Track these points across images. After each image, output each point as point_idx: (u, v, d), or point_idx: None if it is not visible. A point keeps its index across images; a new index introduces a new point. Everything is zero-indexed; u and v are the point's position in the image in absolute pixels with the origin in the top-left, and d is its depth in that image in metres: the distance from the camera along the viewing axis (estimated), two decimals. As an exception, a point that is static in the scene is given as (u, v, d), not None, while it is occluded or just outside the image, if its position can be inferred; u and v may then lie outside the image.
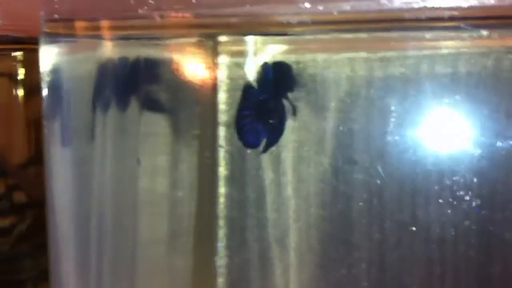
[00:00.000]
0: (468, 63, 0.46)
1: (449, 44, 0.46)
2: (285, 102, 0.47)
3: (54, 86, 0.52)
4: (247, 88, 0.48)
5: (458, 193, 0.46)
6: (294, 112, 0.47)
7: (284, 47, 0.49)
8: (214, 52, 0.50)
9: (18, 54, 0.62)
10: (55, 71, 0.52)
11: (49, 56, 0.52)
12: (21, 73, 0.63)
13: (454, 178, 0.46)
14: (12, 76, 0.63)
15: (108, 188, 0.51)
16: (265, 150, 0.48)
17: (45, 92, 0.52)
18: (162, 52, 0.50)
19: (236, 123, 0.48)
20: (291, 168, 0.50)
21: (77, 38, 0.51)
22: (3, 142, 0.63)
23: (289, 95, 0.47)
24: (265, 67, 0.47)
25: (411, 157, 0.47)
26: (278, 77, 0.47)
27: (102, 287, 0.52)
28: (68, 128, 0.52)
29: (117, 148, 0.52)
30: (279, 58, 0.49)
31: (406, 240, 0.48)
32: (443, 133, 0.46)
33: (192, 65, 0.50)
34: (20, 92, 0.63)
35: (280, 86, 0.47)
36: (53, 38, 0.51)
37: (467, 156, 0.46)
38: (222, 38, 0.50)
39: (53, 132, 0.52)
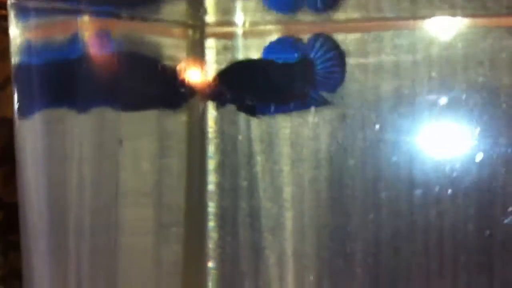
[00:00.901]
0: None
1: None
2: None
3: (26, 73, 0.49)
4: None
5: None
6: None
7: (272, 28, 0.48)
8: (201, 34, 0.48)
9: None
10: (26, 56, 0.49)
11: (18, 37, 0.49)
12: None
13: (456, 163, 0.45)
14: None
15: (87, 178, 0.49)
16: None
17: (16, 83, 0.49)
18: (147, 34, 0.48)
19: None
20: (284, 155, 0.48)
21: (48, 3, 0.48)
22: None
23: None
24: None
25: (407, 143, 0.46)
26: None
27: (81, 281, 0.49)
28: (42, 120, 0.49)
29: (96, 136, 0.49)
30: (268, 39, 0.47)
31: (402, 230, 0.47)
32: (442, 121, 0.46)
33: (179, 49, 0.48)
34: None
35: None
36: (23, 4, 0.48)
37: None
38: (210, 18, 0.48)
39: (25, 125, 0.49)
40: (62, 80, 0.48)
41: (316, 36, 0.46)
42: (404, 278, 0.48)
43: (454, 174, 0.45)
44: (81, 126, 0.48)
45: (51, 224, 0.49)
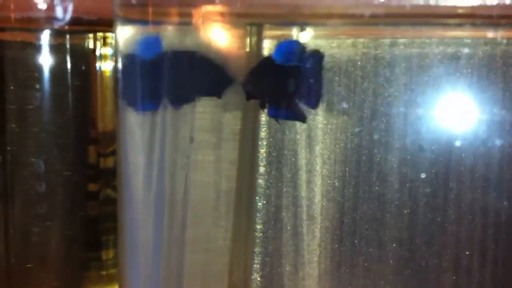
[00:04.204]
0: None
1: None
2: None
3: (128, 63, 0.54)
4: None
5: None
6: None
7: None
8: (259, 36, 0.52)
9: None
10: (129, 52, 0.54)
11: (123, 37, 0.54)
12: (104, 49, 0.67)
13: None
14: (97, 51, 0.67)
15: (167, 154, 0.53)
16: None
17: (119, 65, 0.53)
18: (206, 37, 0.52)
19: None
20: (326, 149, 0.52)
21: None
22: (95, 111, 0.68)
23: None
24: None
25: (440, 134, 0.49)
26: None
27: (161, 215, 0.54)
28: (138, 101, 0.54)
29: (175, 126, 0.54)
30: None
31: (438, 220, 0.49)
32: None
33: (237, 50, 0.52)
34: (106, 65, 0.67)
35: None
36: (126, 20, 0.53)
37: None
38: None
39: (125, 101, 0.55)
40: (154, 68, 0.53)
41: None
42: (435, 257, 0.51)
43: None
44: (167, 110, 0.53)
45: (143, 188, 0.54)
